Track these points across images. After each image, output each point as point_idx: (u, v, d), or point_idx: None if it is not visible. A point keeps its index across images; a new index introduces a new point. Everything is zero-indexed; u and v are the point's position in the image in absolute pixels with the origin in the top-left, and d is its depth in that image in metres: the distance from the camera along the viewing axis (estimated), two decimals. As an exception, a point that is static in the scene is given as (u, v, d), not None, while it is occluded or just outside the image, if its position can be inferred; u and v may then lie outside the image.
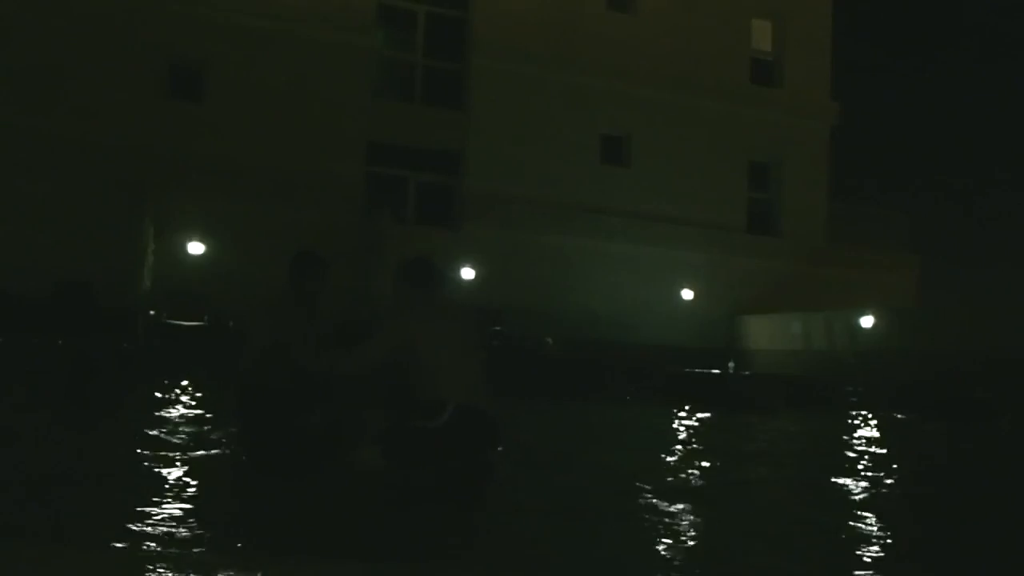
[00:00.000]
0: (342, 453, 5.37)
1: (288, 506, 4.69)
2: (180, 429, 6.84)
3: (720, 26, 21.61)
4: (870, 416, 12.64)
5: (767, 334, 19.40)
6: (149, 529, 3.87)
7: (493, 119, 19.40)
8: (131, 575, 3.01)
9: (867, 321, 16.37)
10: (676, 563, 3.96)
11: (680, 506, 5.15)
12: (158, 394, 9.32)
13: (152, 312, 15.18)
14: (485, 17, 19.62)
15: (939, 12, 32.44)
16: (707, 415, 11.74)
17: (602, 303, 19.14)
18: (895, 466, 7.88)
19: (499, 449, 5.35)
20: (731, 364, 18.46)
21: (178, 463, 5.45)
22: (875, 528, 4.89)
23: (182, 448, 5.95)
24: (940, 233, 26.75)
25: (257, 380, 5.78)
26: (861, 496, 5.90)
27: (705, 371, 16.41)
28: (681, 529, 4.59)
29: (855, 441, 9.70)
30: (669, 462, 7.12)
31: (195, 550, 3.64)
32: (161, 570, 3.00)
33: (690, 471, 6.71)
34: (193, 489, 4.83)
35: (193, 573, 3.05)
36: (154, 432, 6.56)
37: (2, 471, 4.93)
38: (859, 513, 5.23)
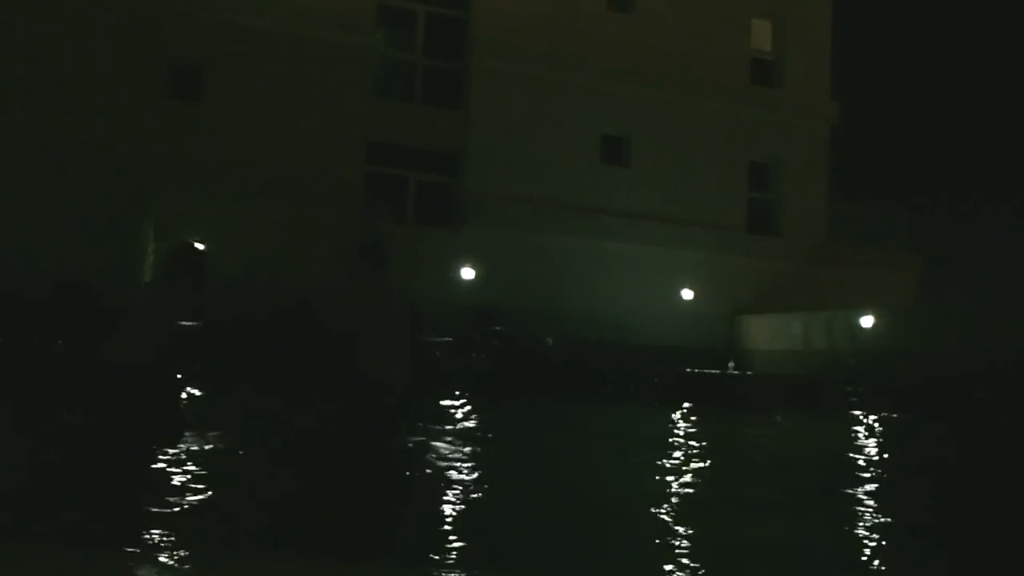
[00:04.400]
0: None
1: (277, 502, 4.69)
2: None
3: (720, 26, 21.61)
4: (870, 416, 12.63)
5: (767, 334, 19.39)
6: (140, 530, 3.87)
7: (493, 119, 19.40)
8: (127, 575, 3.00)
9: (867, 321, 16.37)
10: (668, 565, 3.95)
11: (675, 507, 5.14)
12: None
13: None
14: (485, 17, 19.61)
15: (939, 12, 32.43)
16: (706, 415, 11.73)
17: (602, 303, 19.13)
18: (894, 466, 7.88)
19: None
20: (731, 364, 18.46)
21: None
22: (874, 528, 4.88)
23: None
24: (940, 233, 26.71)
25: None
26: (860, 496, 5.90)
27: (705, 371, 16.41)
28: (674, 529, 4.58)
29: (854, 441, 9.70)
30: (665, 462, 7.12)
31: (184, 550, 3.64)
32: (158, 571, 3.00)
33: (687, 471, 6.71)
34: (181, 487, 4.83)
35: (192, 574, 3.05)
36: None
37: None
38: (859, 513, 5.23)
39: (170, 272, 6.05)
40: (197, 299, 5.96)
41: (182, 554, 3.43)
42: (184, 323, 5.83)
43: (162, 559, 3.33)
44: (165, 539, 3.73)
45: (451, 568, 3.67)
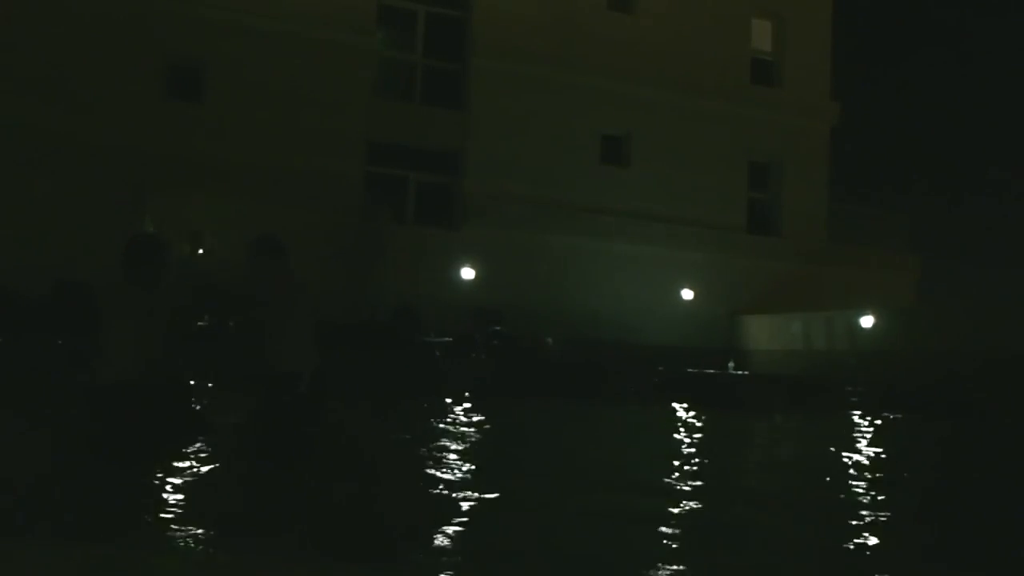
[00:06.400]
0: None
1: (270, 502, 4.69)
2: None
3: (720, 26, 21.61)
4: (869, 416, 12.62)
5: (767, 334, 19.39)
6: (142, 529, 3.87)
7: (493, 119, 19.40)
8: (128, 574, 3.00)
9: (867, 321, 16.36)
10: (667, 567, 3.95)
11: (674, 507, 5.14)
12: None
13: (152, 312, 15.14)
14: (485, 17, 19.61)
15: (939, 12, 32.46)
16: (706, 415, 11.72)
17: (602, 303, 19.14)
18: (894, 466, 7.87)
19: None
20: (731, 364, 18.45)
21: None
22: (873, 528, 4.88)
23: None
24: (940, 233, 26.72)
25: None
26: (859, 496, 5.89)
27: (705, 371, 16.40)
28: (672, 530, 4.58)
29: (854, 441, 9.69)
30: (663, 462, 7.11)
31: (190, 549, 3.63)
32: (159, 569, 3.00)
33: (685, 471, 6.70)
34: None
35: (192, 573, 3.04)
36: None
37: None
38: (857, 513, 5.23)
39: (128, 272, 5.57)
40: (155, 299, 5.63)
41: (181, 554, 3.43)
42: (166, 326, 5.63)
43: (159, 559, 3.33)
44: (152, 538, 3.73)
45: (451, 568, 3.67)
